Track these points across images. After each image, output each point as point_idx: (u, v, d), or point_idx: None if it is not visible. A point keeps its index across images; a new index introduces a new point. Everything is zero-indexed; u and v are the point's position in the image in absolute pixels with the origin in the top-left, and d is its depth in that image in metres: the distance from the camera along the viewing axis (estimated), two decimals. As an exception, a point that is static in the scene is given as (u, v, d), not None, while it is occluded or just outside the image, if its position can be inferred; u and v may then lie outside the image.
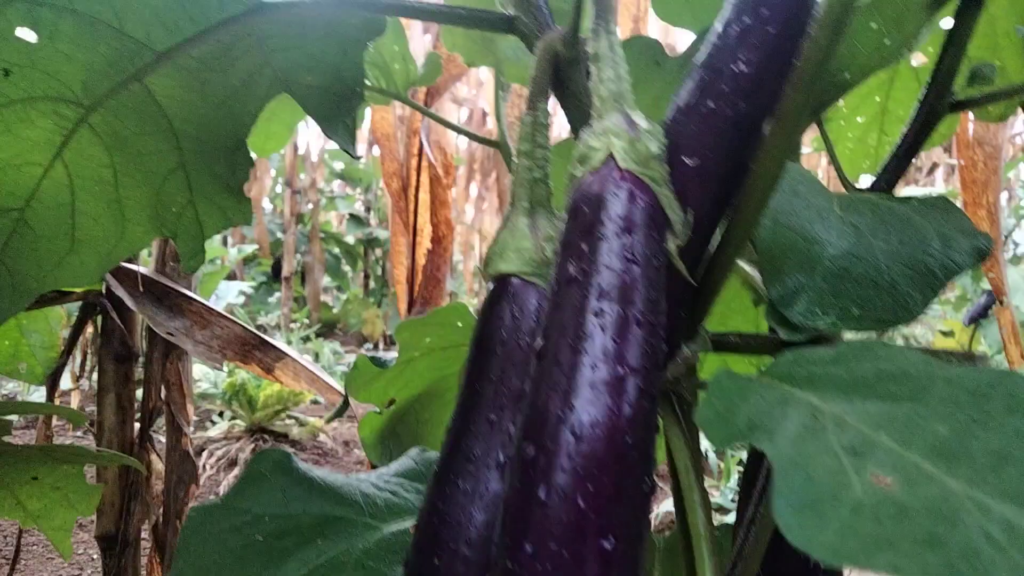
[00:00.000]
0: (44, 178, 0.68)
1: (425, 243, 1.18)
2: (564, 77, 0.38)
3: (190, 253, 0.72)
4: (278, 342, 1.02)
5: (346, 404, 0.86)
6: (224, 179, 0.67)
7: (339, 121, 0.66)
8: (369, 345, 7.84)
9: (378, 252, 9.31)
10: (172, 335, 0.97)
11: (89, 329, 1.10)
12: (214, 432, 2.81)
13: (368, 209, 8.92)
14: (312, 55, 0.58)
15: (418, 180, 1.18)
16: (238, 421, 2.84)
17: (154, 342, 1.08)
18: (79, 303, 1.03)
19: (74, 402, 1.79)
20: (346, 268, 9.16)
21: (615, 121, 0.32)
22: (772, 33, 0.31)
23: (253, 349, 0.99)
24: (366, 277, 9.54)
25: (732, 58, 0.31)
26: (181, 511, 1.10)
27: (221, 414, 3.10)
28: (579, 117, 0.38)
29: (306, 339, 6.75)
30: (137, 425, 1.09)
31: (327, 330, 8.03)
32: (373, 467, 0.75)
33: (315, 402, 3.53)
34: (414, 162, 1.20)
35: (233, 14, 0.51)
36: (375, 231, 8.77)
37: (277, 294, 7.49)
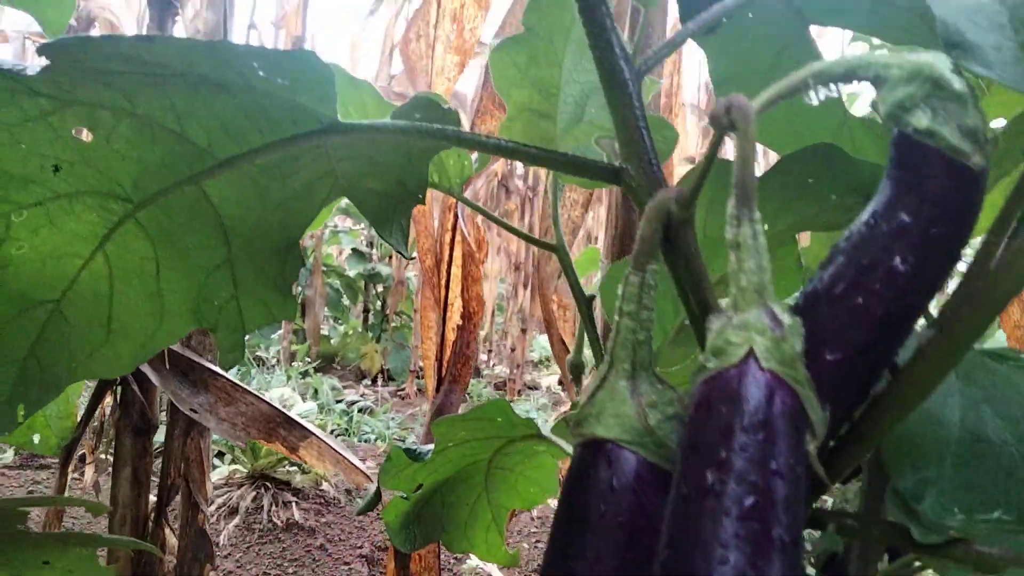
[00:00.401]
0: (83, 269, 0.66)
1: (455, 319, 1.16)
2: (674, 236, 0.36)
3: (229, 347, 0.70)
4: (305, 421, 0.99)
5: (378, 497, 0.82)
6: (272, 278, 0.65)
7: (395, 223, 0.63)
8: (367, 380, 7.78)
9: (379, 287, 9.28)
10: (195, 412, 0.94)
11: (107, 399, 1.07)
12: (215, 477, 2.74)
13: (371, 244, 8.92)
14: (378, 163, 0.56)
15: (451, 255, 1.16)
16: (239, 467, 2.78)
17: (176, 417, 1.05)
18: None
19: (88, 474, 1.75)
20: (346, 302, 9.12)
21: (757, 316, 0.30)
22: (935, 234, 0.29)
23: (278, 427, 0.96)
24: (365, 311, 9.50)
25: (887, 254, 0.29)
26: (195, 592, 1.06)
27: (220, 455, 3.04)
28: (688, 278, 0.36)
29: (305, 374, 6.69)
30: (152, 498, 1.05)
31: (326, 364, 7.96)
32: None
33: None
34: (447, 237, 1.17)
35: (306, 131, 0.49)
36: (377, 266, 8.77)
37: (279, 329, 7.44)
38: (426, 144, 0.52)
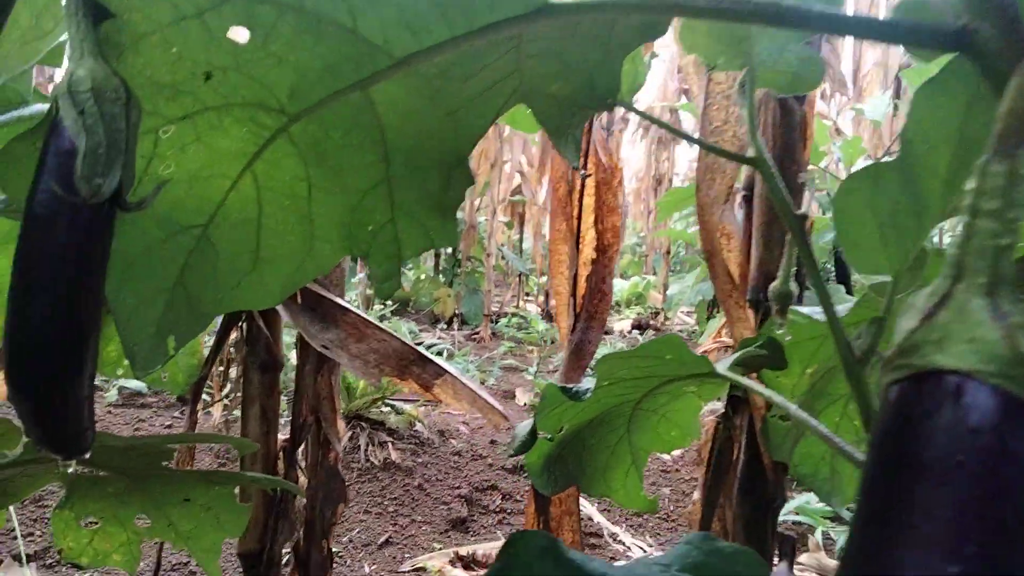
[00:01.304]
0: (231, 191, 0.61)
1: (588, 252, 1.08)
2: None
3: (384, 275, 0.64)
4: (437, 358, 0.94)
5: (533, 437, 0.77)
6: (435, 197, 0.59)
7: (569, 134, 0.56)
8: (443, 324, 7.83)
9: (452, 230, 9.26)
10: (327, 348, 0.90)
11: (232, 335, 1.05)
12: (311, 417, 2.80)
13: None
14: (567, 63, 0.48)
15: (583, 183, 1.07)
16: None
17: (306, 353, 1.02)
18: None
19: (216, 412, 1.78)
20: (420, 246, 9.17)
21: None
22: None
23: (411, 364, 0.92)
24: (436, 256, 9.55)
25: None
26: (328, 531, 1.04)
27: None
28: None
29: (382, 318, 6.79)
30: (281, 437, 1.03)
31: (400, 308, 8.07)
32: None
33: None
34: (579, 162, 1.09)
35: (506, 16, 0.42)
36: (451, 210, 8.75)
37: (359, 273, 7.54)
38: (631, 22, 0.44)
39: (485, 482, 2.69)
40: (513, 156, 8.17)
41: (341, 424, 1.03)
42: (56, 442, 0.50)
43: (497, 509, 2.55)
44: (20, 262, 0.43)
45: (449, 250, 9.51)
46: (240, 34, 0.49)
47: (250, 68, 0.51)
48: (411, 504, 2.47)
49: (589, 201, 1.05)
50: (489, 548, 2.06)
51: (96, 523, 0.92)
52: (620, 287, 9.51)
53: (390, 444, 2.70)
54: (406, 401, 3.06)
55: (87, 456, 0.54)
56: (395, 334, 0.93)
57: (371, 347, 0.90)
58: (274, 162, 0.59)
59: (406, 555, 2.15)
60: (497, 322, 7.76)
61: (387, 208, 0.61)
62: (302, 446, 1.04)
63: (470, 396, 0.93)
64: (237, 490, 0.92)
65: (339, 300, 0.95)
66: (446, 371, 0.94)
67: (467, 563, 2.06)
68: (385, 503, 2.40)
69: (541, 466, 0.93)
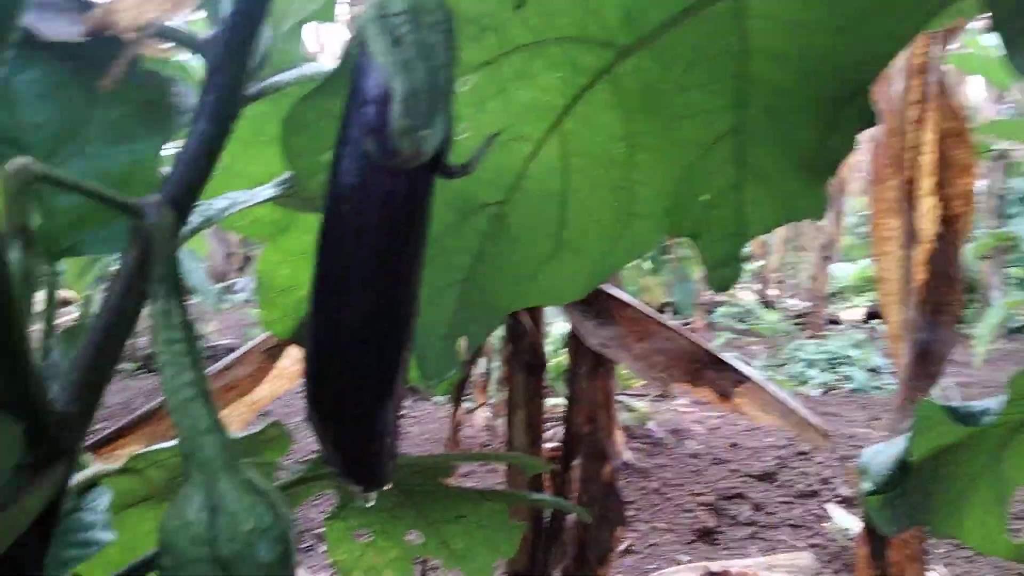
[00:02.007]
0: (532, 159, 0.49)
1: (928, 225, 0.86)
2: None
3: (720, 259, 0.50)
4: (738, 362, 0.79)
5: (904, 471, 0.59)
6: (806, 150, 0.43)
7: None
8: (656, 315, 7.56)
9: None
10: (605, 347, 0.78)
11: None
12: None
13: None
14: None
15: (919, 138, 0.86)
16: (560, 400, 2.74)
17: (579, 353, 0.91)
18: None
19: (478, 416, 1.77)
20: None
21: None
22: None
23: (705, 368, 0.77)
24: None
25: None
26: (604, 558, 0.92)
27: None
28: None
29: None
30: (545, 445, 0.94)
31: (605, 298, 7.92)
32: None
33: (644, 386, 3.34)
34: (913, 112, 0.87)
35: None
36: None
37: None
38: None
39: (731, 490, 2.47)
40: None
41: (619, 435, 0.90)
42: (359, 474, 0.40)
43: (748, 521, 2.32)
44: (325, 253, 0.33)
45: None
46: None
47: (575, -13, 0.39)
48: (650, 510, 2.32)
49: (928, 160, 0.83)
50: (744, 566, 1.86)
51: (368, 536, 0.87)
52: (846, 272, 8.67)
53: (623, 443, 2.57)
54: (636, 396, 2.91)
55: (387, 487, 0.45)
56: (684, 332, 0.79)
57: (656, 347, 0.77)
58: (587, 118, 0.46)
59: (649, 566, 2.01)
60: (712, 312, 7.36)
61: (732, 170, 0.46)
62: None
63: (780, 408, 0.76)
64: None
65: (617, 292, 0.82)
66: (748, 377, 0.77)
67: (719, 580, 1.88)
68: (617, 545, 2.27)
69: (882, 500, 0.74)
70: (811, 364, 4.80)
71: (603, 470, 0.92)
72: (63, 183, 0.30)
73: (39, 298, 0.37)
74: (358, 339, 0.35)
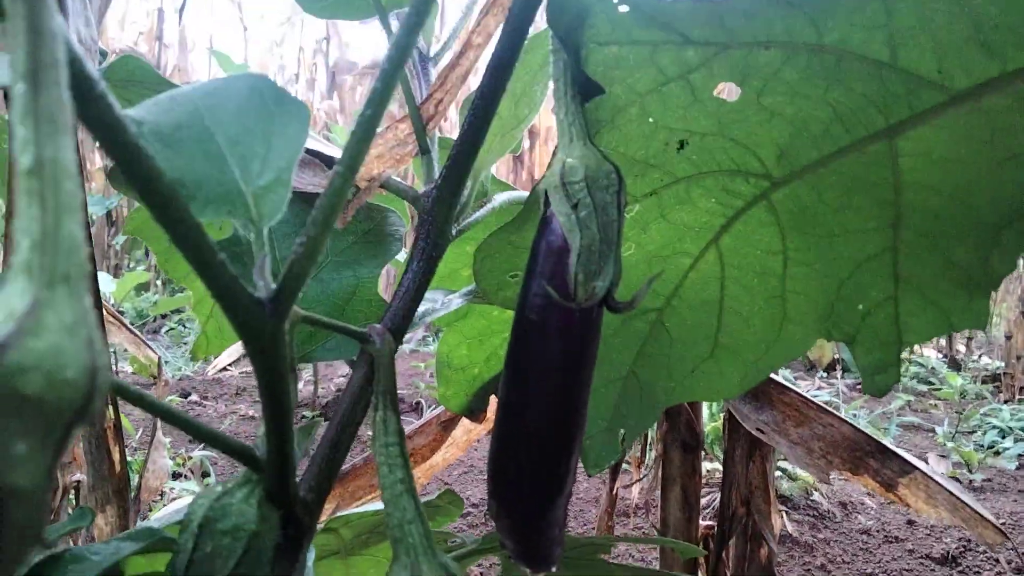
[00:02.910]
0: (691, 270, 0.53)
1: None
2: None
3: (876, 366, 0.51)
4: (902, 451, 0.78)
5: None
6: (963, 269, 0.44)
7: None
8: (821, 372, 7.16)
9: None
10: (761, 431, 0.80)
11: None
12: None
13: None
14: None
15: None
16: (716, 464, 2.67)
17: (736, 436, 0.93)
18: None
19: (634, 491, 1.81)
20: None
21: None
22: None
23: (867, 457, 0.76)
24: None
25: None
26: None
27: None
28: None
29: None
30: (701, 522, 0.95)
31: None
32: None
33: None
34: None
35: None
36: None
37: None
38: None
39: (906, 572, 2.29)
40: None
41: (777, 519, 0.90)
42: (530, 558, 0.46)
43: (925, 608, 2.14)
44: (512, 370, 0.39)
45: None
46: (728, 92, 0.42)
47: (733, 129, 0.44)
48: (814, 587, 2.20)
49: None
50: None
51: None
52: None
53: (784, 514, 2.46)
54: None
55: (553, 569, 0.50)
56: (844, 418, 0.79)
57: (815, 432, 0.77)
58: (744, 235, 0.50)
59: (813, 648, 1.90)
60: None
61: (888, 282, 0.48)
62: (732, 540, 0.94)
63: (949, 502, 0.74)
64: None
65: (774, 376, 0.83)
66: (915, 467, 0.75)
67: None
68: (783, 583, 2.18)
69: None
70: (1005, 433, 4.35)
71: (760, 552, 0.91)
72: (318, 323, 0.39)
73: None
74: (537, 442, 0.41)
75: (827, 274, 0.50)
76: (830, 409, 0.80)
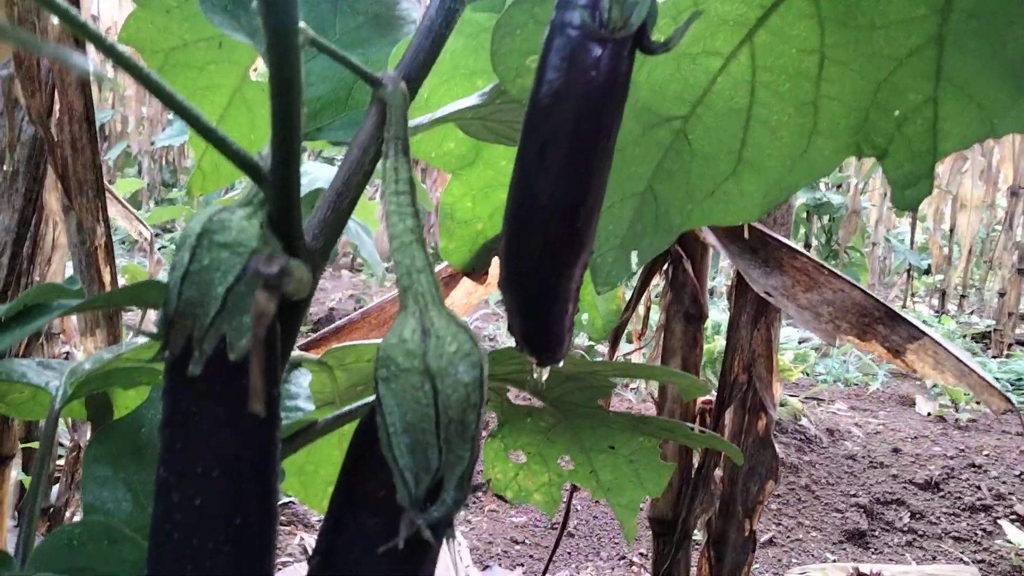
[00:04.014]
0: (720, 73, 0.51)
1: None
2: None
3: (906, 179, 0.49)
4: (912, 317, 0.76)
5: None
6: (1015, 56, 0.42)
7: None
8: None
9: (825, 219, 8.51)
10: (770, 295, 0.78)
11: (655, 280, 0.99)
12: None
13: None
14: None
15: None
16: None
17: (741, 302, 0.91)
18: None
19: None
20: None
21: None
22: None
23: (875, 323, 0.75)
24: (807, 246, 8.82)
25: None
26: (752, 510, 0.92)
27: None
28: None
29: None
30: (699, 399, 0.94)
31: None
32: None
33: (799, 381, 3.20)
34: None
35: None
36: (827, 195, 8.01)
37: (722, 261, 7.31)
38: None
39: (888, 494, 2.33)
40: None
41: (778, 387, 0.89)
42: (537, 344, 0.44)
43: (905, 528, 2.18)
44: (531, 124, 0.37)
45: (824, 239, 8.76)
46: None
47: None
48: (796, 505, 2.24)
49: None
50: (899, 571, 1.75)
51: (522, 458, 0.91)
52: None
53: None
54: (789, 394, 2.80)
55: (559, 365, 0.48)
56: (855, 283, 0.77)
57: (824, 298, 0.75)
58: (781, 30, 0.48)
59: (792, 560, 1.94)
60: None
61: (928, 82, 0.46)
62: (729, 409, 0.93)
63: (956, 368, 0.73)
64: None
65: (786, 240, 0.81)
66: (924, 334, 0.74)
67: (867, 583, 1.78)
68: (771, 498, 2.21)
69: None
70: (991, 383, 4.38)
71: (759, 423, 0.91)
72: (326, 50, 0.36)
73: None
74: (553, 207, 0.39)
75: (864, 75, 0.47)
76: (842, 274, 0.79)
